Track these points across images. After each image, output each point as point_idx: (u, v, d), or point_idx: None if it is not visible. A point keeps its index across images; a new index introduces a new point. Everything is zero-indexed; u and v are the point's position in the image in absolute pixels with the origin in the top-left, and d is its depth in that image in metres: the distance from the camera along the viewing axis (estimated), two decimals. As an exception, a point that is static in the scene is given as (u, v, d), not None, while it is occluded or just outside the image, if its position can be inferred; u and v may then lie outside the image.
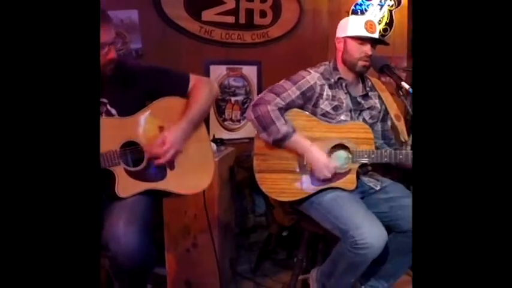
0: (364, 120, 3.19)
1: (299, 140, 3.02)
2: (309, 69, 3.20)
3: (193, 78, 2.90)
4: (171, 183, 2.78)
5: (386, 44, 3.36)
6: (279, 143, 3.02)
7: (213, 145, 3.48)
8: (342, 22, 3.24)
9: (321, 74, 3.16)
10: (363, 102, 3.22)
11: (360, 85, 3.28)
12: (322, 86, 3.12)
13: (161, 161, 2.68)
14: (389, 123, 3.35)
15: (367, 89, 3.28)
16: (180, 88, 2.85)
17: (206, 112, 2.93)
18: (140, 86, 2.75)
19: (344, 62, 3.18)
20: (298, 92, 3.08)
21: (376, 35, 3.11)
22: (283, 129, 2.97)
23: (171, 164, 2.76)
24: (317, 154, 3.00)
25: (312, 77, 3.13)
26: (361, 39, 3.10)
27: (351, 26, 3.13)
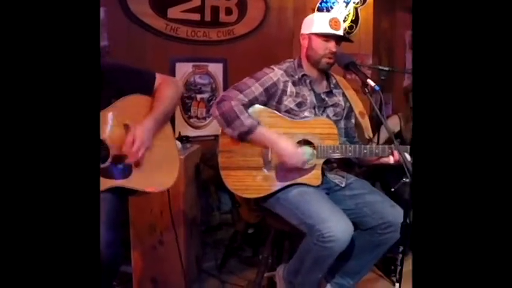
0: (328, 117, 3.20)
1: (265, 132, 3.01)
2: (272, 66, 3.20)
3: (159, 77, 2.87)
4: (136, 181, 2.76)
5: (350, 41, 3.39)
6: (245, 137, 3.01)
7: (178, 143, 3.47)
8: (307, 19, 3.25)
9: (285, 71, 3.16)
10: (326, 99, 3.24)
11: (324, 82, 3.29)
12: (285, 82, 3.12)
13: (131, 159, 2.67)
14: (353, 121, 3.38)
15: (331, 86, 3.29)
16: (145, 86, 2.83)
17: (171, 111, 2.90)
18: (106, 83, 2.73)
19: (308, 58, 3.18)
20: (261, 89, 3.07)
21: (340, 32, 3.12)
22: (248, 122, 2.96)
23: (139, 162, 2.74)
24: (284, 144, 2.99)
25: (275, 73, 3.13)
26: (326, 36, 3.11)
27: (316, 23, 3.13)
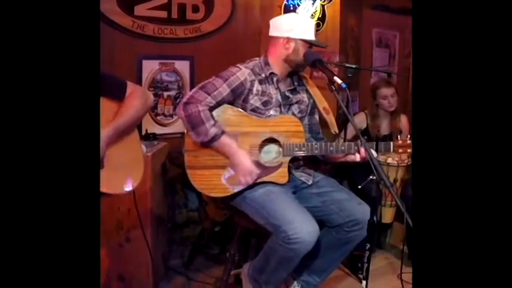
0: (293, 114, 3.21)
1: (226, 143, 3.01)
2: (238, 65, 3.18)
3: (130, 87, 2.81)
4: None
5: (324, 47, 3.43)
6: (206, 144, 3.01)
7: (143, 147, 3.44)
8: (291, 21, 3.23)
9: (251, 69, 3.15)
10: (291, 96, 3.24)
11: (288, 80, 3.30)
12: (252, 81, 3.11)
13: None
14: (316, 117, 3.40)
15: (295, 83, 3.30)
16: (116, 94, 2.78)
17: (137, 122, 2.85)
18: None
19: (288, 61, 3.17)
20: (228, 90, 3.05)
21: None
22: (212, 131, 2.96)
23: None
24: (242, 159, 3.01)
25: (242, 73, 3.11)
26: (310, 43, 3.16)
27: (305, 29, 3.15)
